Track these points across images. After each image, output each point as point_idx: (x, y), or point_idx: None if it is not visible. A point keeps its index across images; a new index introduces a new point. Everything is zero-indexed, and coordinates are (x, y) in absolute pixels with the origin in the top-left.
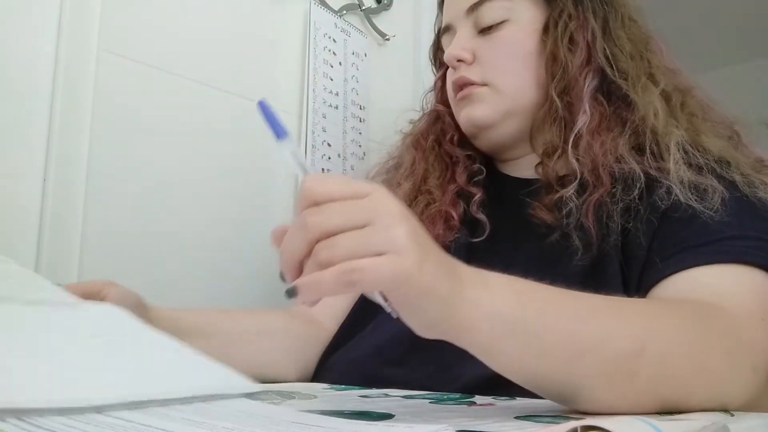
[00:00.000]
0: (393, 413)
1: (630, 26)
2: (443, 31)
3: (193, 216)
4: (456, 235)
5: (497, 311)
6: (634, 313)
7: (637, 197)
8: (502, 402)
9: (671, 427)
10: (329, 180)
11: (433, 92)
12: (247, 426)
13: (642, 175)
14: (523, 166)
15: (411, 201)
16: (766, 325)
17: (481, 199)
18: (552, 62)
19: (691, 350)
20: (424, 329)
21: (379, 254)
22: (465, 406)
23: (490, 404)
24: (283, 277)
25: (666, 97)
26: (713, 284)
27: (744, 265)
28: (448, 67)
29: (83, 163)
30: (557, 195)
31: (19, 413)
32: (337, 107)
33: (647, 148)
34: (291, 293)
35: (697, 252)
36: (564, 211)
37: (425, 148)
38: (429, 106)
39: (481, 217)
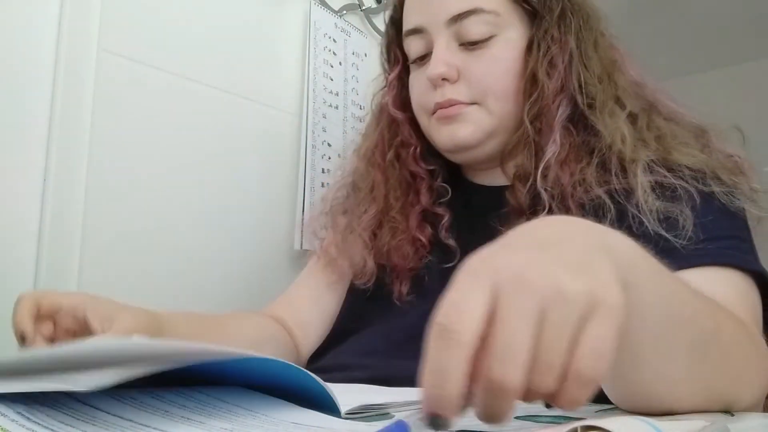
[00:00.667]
0: (393, 413)
1: (601, 44)
2: (411, 32)
3: (193, 216)
4: (427, 260)
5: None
6: (705, 297)
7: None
8: None
9: (671, 427)
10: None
11: (385, 93)
12: (246, 427)
13: (612, 206)
14: (492, 175)
15: (376, 229)
16: (760, 331)
17: (449, 222)
18: (530, 84)
19: (739, 341)
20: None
21: (584, 322)
22: None
23: None
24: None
25: (633, 119)
26: (704, 288)
27: (723, 267)
28: (403, 66)
29: (83, 163)
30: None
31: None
32: (337, 107)
33: (614, 176)
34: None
35: (675, 257)
36: None
37: (384, 167)
38: (377, 107)
39: (451, 243)
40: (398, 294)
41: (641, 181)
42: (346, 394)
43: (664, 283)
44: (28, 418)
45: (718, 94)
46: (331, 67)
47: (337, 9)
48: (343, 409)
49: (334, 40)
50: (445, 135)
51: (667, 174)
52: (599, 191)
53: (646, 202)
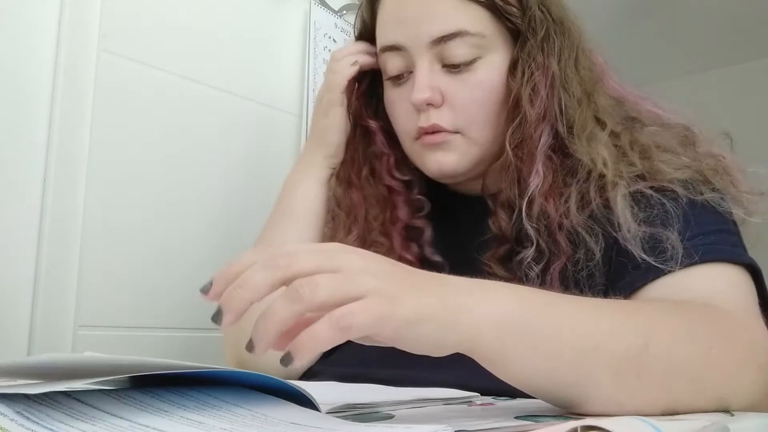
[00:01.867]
0: (393, 413)
1: (581, 62)
2: (389, 48)
3: (193, 216)
4: (434, 249)
5: (500, 313)
6: (635, 311)
7: (600, 260)
8: (502, 402)
9: (671, 427)
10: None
11: (354, 102)
12: (245, 427)
13: (601, 235)
14: (471, 185)
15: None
16: (759, 321)
17: (432, 236)
18: (513, 110)
19: (696, 347)
20: (435, 351)
21: (358, 299)
22: (465, 406)
23: (490, 404)
24: (217, 318)
25: (615, 138)
26: (695, 286)
27: (713, 263)
28: (371, 77)
29: (83, 163)
30: (517, 256)
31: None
32: None
33: (595, 203)
34: (287, 361)
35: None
36: (522, 273)
37: (360, 185)
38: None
39: (437, 259)
40: None
41: (621, 208)
42: (333, 394)
43: (552, 324)
44: (28, 418)
45: (717, 94)
46: None
47: (337, 9)
48: (326, 408)
49: (334, 40)
50: (431, 162)
51: (653, 193)
52: (586, 221)
53: (629, 230)
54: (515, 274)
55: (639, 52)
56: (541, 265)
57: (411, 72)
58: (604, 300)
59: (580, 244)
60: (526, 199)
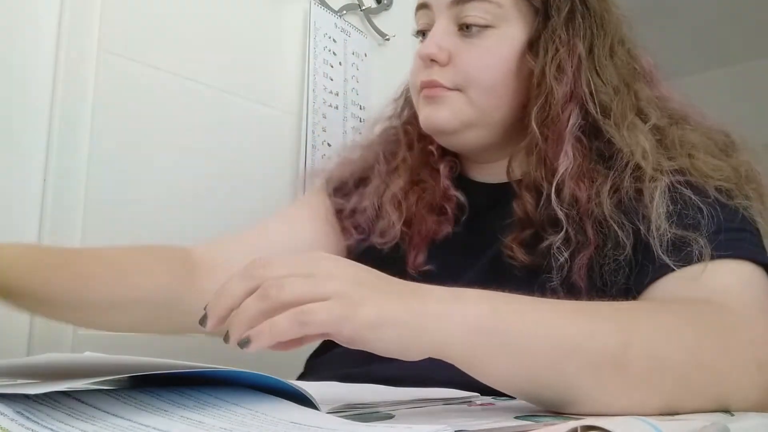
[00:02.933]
0: (393, 413)
1: (618, 53)
2: (420, 6)
3: (192, 216)
4: (455, 230)
5: (473, 318)
6: (615, 311)
7: (630, 255)
8: (502, 402)
9: (671, 427)
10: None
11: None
12: (244, 426)
13: (631, 230)
14: (489, 171)
15: (405, 194)
16: (765, 318)
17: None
18: (536, 88)
19: (684, 344)
20: (402, 355)
21: (323, 300)
22: (465, 405)
23: (490, 404)
24: (203, 322)
25: (661, 132)
26: (707, 281)
27: (732, 259)
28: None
29: (83, 163)
30: (543, 242)
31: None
32: (337, 107)
33: (626, 194)
34: (243, 344)
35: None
36: (548, 261)
37: (412, 142)
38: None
39: (458, 231)
40: (413, 263)
41: (657, 205)
42: (333, 394)
43: (526, 327)
44: (28, 418)
45: (718, 94)
46: (331, 67)
47: (337, 9)
48: (325, 408)
49: (334, 40)
50: (424, 115)
51: (687, 192)
52: (616, 213)
53: (659, 228)
54: (539, 262)
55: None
56: (568, 252)
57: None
58: (585, 303)
59: (610, 236)
60: (555, 181)
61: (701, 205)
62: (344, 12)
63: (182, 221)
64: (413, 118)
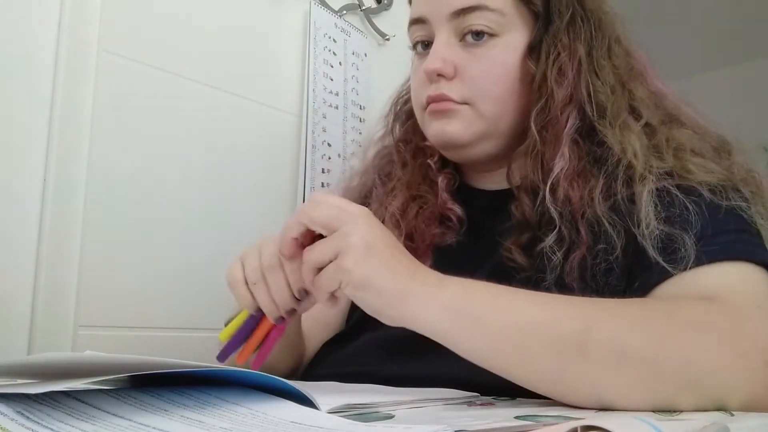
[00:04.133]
0: (393, 413)
1: (615, 52)
2: (415, 21)
3: (193, 216)
4: (457, 239)
5: (447, 304)
6: (582, 301)
7: (620, 256)
8: (502, 402)
9: (671, 427)
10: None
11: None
12: (245, 426)
13: (623, 230)
14: (492, 178)
15: (403, 212)
16: (764, 313)
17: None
18: (537, 92)
19: (646, 333)
20: (375, 315)
21: (340, 239)
22: (465, 405)
23: (490, 404)
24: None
25: (651, 131)
26: (705, 283)
27: (731, 261)
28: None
29: (83, 163)
30: (539, 245)
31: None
32: (337, 107)
33: (620, 195)
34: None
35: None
36: (542, 262)
37: (407, 161)
38: (399, 105)
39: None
40: None
41: (645, 204)
42: (333, 394)
43: (493, 309)
44: (28, 417)
45: (717, 94)
46: (331, 67)
47: (337, 9)
48: (325, 408)
49: (334, 40)
50: (435, 129)
51: (679, 194)
52: (608, 213)
53: (648, 226)
54: (536, 264)
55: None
56: (562, 252)
57: (431, 44)
58: (562, 295)
59: (601, 236)
60: (550, 181)
61: (691, 206)
62: (344, 12)
63: (182, 221)
64: (408, 134)
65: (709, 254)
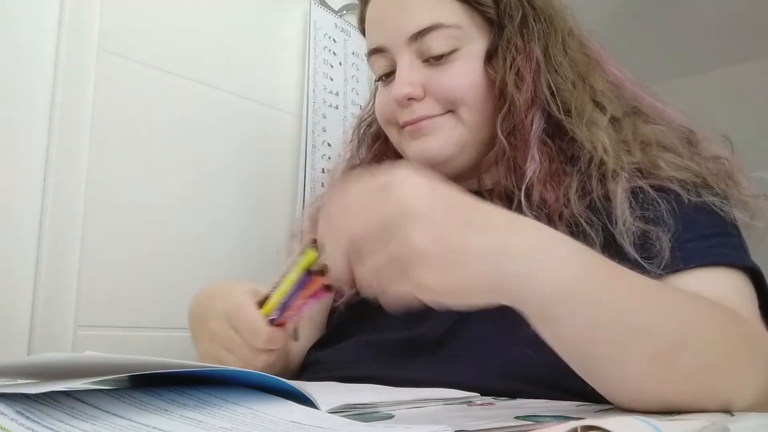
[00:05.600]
0: (393, 413)
1: (570, 46)
2: (374, 51)
3: (192, 216)
4: None
5: (565, 280)
6: (680, 302)
7: (600, 252)
8: (502, 402)
9: (671, 427)
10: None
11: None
12: (245, 426)
13: (601, 228)
14: (468, 186)
15: None
16: (760, 324)
17: None
18: (500, 98)
19: (727, 349)
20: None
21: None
22: (465, 405)
23: (490, 404)
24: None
25: (617, 125)
26: (695, 290)
27: (714, 267)
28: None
29: (83, 163)
30: None
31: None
32: (337, 107)
33: (595, 194)
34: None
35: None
36: None
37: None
38: (360, 133)
39: None
40: None
41: (620, 202)
42: (333, 394)
43: (603, 298)
44: (28, 418)
45: (717, 94)
46: (331, 67)
47: (337, 9)
48: (325, 408)
49: (334, 40)
50: (415, 149)
51: (652, 192)
52: (584, 211)
53: (625, 223)
54: None
55: (639, 52)
56: None
57: (395, 71)
58: (654, 282)
59: (580, 235)
60: (524, 186)
61: (665, 205)
62: (344, 12)
63: (182, 221)
64: (380, 154)
65: (692, 259)
